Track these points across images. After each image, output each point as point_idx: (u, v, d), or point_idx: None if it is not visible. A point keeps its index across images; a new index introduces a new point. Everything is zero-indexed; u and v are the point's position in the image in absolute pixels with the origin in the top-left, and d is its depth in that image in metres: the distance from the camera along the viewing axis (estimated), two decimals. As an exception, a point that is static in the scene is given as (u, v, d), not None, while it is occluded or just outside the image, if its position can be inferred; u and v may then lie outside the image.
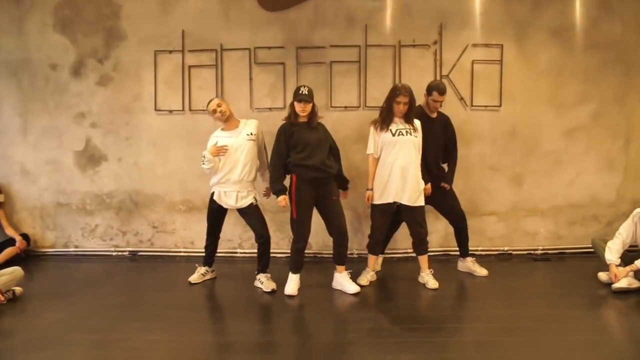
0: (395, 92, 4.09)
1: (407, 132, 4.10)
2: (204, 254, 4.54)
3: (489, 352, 3.00)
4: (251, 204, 4.26)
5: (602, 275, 4.22)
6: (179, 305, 3.95)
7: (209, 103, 4.28)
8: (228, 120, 4.25)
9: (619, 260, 4.13)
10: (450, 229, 4.70)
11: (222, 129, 4.30)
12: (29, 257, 5.28)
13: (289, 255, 4.27)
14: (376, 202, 4.22)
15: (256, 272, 4.32)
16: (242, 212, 4.30)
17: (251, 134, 4.24)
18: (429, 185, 4.31)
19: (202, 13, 5.09)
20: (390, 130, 4.10)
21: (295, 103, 4.00)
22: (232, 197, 4.23)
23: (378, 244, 4.38)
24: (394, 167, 4.10)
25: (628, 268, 4.03)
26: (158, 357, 3.02)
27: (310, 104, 4.01)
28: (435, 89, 4.28)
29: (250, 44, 5.07)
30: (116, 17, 5.16)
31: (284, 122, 4.10)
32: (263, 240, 4.27)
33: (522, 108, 5.07)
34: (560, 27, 4.98)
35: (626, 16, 4.94)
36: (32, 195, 5.43)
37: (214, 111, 4.22)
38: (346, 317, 3.74)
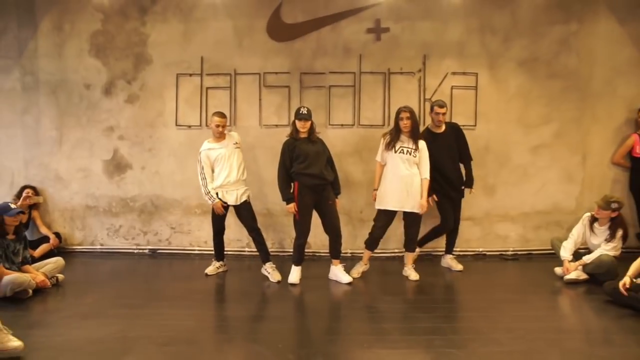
0: (398, 110, 4.84)
1: (407, 151, 4.76)
2: (214, 252, 5.26)
3: (453, 322, 3.77)
4: (246, 200, 5.05)
5: (558, 270, 4.95)
6: (198, 290, 4.68)
7: (217, 114, 5.02)
8: (220, 135, 5.03)
9: (572, 256, 4.88)
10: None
11: (211, 141, 5.06)
12: (60, 253, 5.86)
13: (290, 252, 4.99)
14: (380, 207, 4.89)
15: (262, 262, 5.04)
16: (238, 208, 5.04)
17: (236, 143, 5.05)
18: (429, 199, 4.96)
19: (219, 42, 5.87)
20: (394, 147, 4.78)
21: (297, 121, 4.74)
22: (233, 195, 5.00)
23: (375, 241, 4.97)
24: (394, 179, 4.77)
25: (577, 263, 4.79)
26: (186, 324, 3.72)
27: (309, 122, 4.75)
28: (435, 104, 5.11)
29: (260, 70, 5.85)
30: (144, 44, 5.94)
31: (288, 138, 4.85)
32: (255, 232, 5.05)
33: (494, 127, 5.85)
34: (526, 59, 5.79)
35: (581, 51, 5.76)
36: (64, 199, 6.15)
37: (217, 125, 4.98)
38: (340, 299, 4.47)
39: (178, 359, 3.13)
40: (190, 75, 5.92)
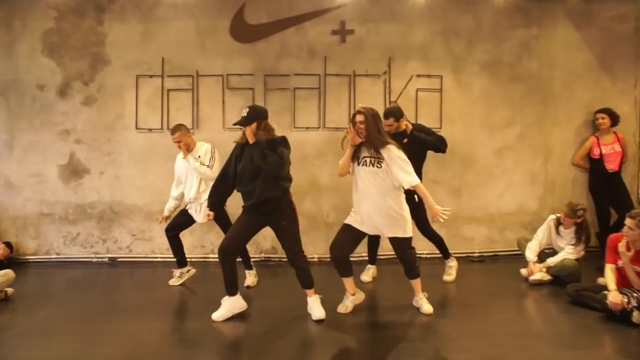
0: (353, 114, 3.92)
1: (371, 161, 3.84)
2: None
3: (422, 328, 3.71)
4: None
5: (523, 271, 5.01)
6: (161, 300, 4.50)
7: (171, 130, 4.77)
8: (185, 151, 4.71)
9: (536, 258, 4.96)
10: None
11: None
12: (12, 264, 5.56)
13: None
14: (346, 221, 4.10)
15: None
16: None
17: (199, 157, 4.72)
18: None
19: (180, 42, 5.70)
20: (357, 158, 3.92)
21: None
22: (199, 211, 4.72)
23: (337, 262, 4.08)
24: (363, 199, 3.93)
25: (541, 265, 4.86)
26: (147, 339, 3.58)
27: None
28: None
29: (223, 71, 5.72)
30: (101, 44, 5.71)
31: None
32: None
33: (459, 129, 5.88)
34: (489, 62, 5.87)
35: (541, 55, 5.89)
36: (16, 206, 5.82)
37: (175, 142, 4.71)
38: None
39: (137, 377, 2.97)
40: (151, 76, 5.73)
